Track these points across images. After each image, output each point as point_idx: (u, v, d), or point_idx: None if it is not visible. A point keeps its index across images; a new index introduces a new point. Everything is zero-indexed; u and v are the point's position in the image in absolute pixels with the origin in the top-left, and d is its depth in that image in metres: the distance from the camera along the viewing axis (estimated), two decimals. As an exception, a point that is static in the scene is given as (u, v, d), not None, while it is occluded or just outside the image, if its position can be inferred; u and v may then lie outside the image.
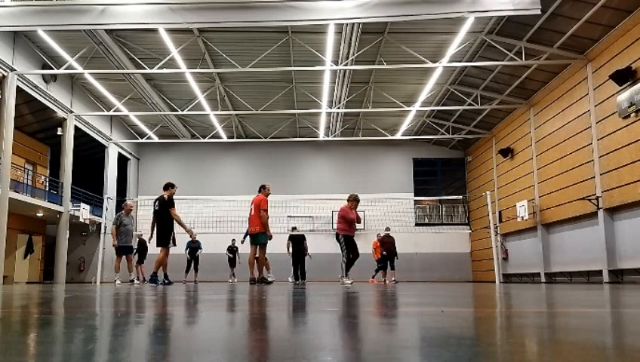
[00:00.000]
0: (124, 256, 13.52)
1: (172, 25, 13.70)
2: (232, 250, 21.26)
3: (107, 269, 20.82)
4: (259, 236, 10.36)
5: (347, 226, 10.90)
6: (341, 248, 10.94)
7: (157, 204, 10.40)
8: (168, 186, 10.64)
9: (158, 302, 4.04)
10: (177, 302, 4.02)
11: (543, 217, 19.98)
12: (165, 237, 10.20)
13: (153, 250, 11.44)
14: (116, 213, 15.57)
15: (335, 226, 25.53)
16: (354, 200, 11.08)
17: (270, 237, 10.37)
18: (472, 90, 20.70)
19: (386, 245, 17.52)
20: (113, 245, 13.42)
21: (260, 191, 10.65)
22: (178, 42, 16.99)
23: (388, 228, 17.97)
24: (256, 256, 10.88)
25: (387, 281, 17.16)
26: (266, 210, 10.34)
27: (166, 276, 10.55)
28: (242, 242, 15.90)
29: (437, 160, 28.41)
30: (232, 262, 21.30)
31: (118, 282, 13.40)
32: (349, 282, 10.75)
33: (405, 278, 17.66)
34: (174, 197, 10.55)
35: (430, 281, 22.73)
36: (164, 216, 10.23)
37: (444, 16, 12.45)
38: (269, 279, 13.92)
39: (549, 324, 2.08)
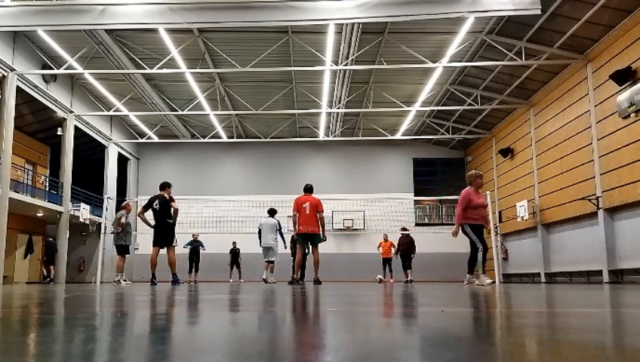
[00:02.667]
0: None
1: (172, 25, 13.71)
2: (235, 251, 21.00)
3: (107, 269, 20.84)
4: (316, 237, 10.43)
5: (467, 212, 8.59)
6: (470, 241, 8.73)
7: (157, 203, 10.21)
8: (168, 185, 10.60)
9: (164, 301, 4.04)
10: (179, 301, 4.02)
11: (543, 217, 19.98)
12: (171, 237, 10.22)
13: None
14: (116, 213, 15.55)
15: (343, 226, 25.94)
16: (474, 178, 8.66)
17: (325, 239, 10.52)
18: (472, 90, 20.69)
19: (403, 246, 17.77)
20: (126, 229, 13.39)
21: (309, 192, 10.77)
22: (178, 42, 16.98)
23: (405, 229, 18.26)
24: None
25: (393, 281, 17.26)
26: (323, 211, 10.51)
27: (174, 275, 10.44)
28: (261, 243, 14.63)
29: (437, 160, 28.41)
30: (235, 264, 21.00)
31: (126, 283, 13.20)
32: (488, 281, 8.58)
33: (405, 278, 17.70)
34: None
35: (430, 281, 22.71)
36: (166, 216, 10.19)
37: (444, 16, 12.45)
38: (272, 281, 13.88)
39: (549, 324, 2.08)
